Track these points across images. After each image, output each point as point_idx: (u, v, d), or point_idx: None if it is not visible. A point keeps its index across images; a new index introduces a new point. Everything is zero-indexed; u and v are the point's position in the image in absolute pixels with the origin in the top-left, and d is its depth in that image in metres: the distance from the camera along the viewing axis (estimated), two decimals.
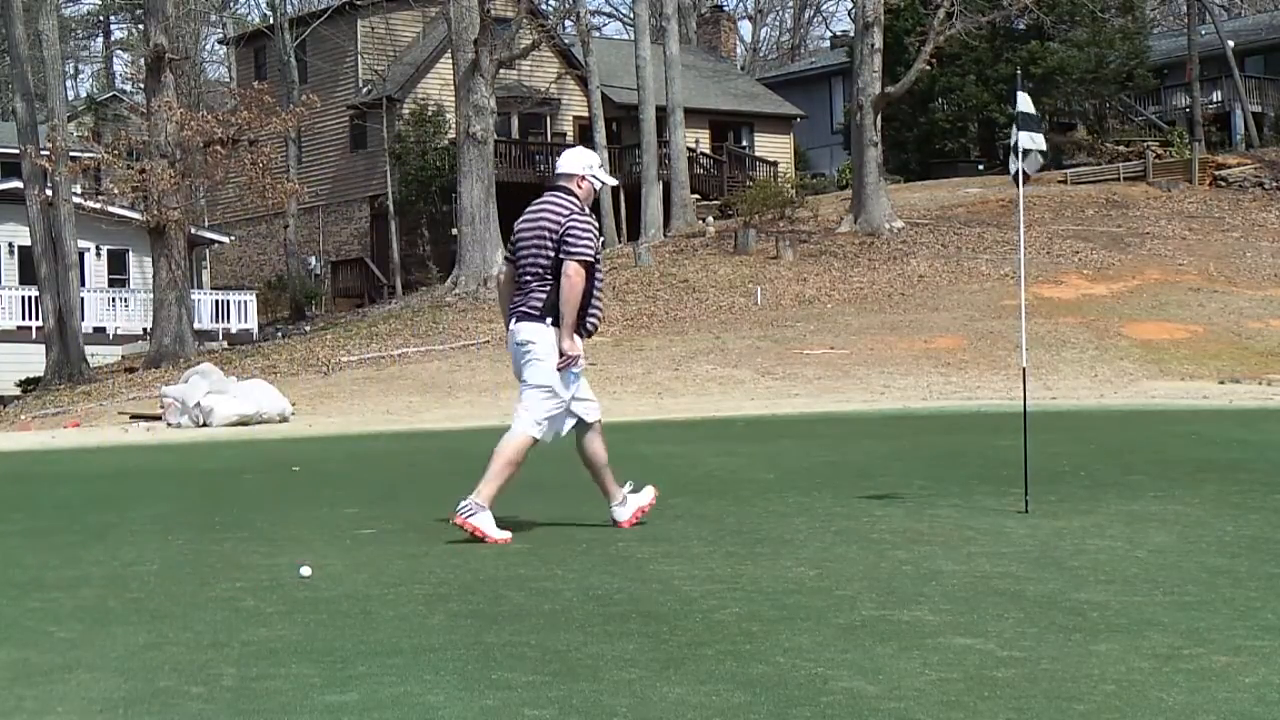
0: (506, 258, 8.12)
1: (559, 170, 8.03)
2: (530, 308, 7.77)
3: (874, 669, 4.69)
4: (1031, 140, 8.78)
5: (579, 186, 7.93)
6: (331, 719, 4.28)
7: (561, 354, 7.70)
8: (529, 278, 7.81)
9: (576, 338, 7.73)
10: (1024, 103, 8.77)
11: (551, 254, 7.74)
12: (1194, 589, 5.93)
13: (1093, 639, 5.05)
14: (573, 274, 7.65)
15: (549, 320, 7.73)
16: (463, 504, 7.58)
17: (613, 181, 8.50)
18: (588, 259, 7.72)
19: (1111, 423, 16.47)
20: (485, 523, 7.54)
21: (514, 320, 7.86)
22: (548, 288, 7.74)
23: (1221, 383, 24.77)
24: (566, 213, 7.79)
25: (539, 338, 7.74)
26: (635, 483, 8.12)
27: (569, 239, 7.70)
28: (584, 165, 7.98)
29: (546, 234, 7.77)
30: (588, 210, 7.92)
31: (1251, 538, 7.26)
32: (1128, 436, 14.23)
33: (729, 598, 5.89)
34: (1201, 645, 4.93)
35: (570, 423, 7.90)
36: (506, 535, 7.56)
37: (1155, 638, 5.06)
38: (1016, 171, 8.84)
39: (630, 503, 8.02)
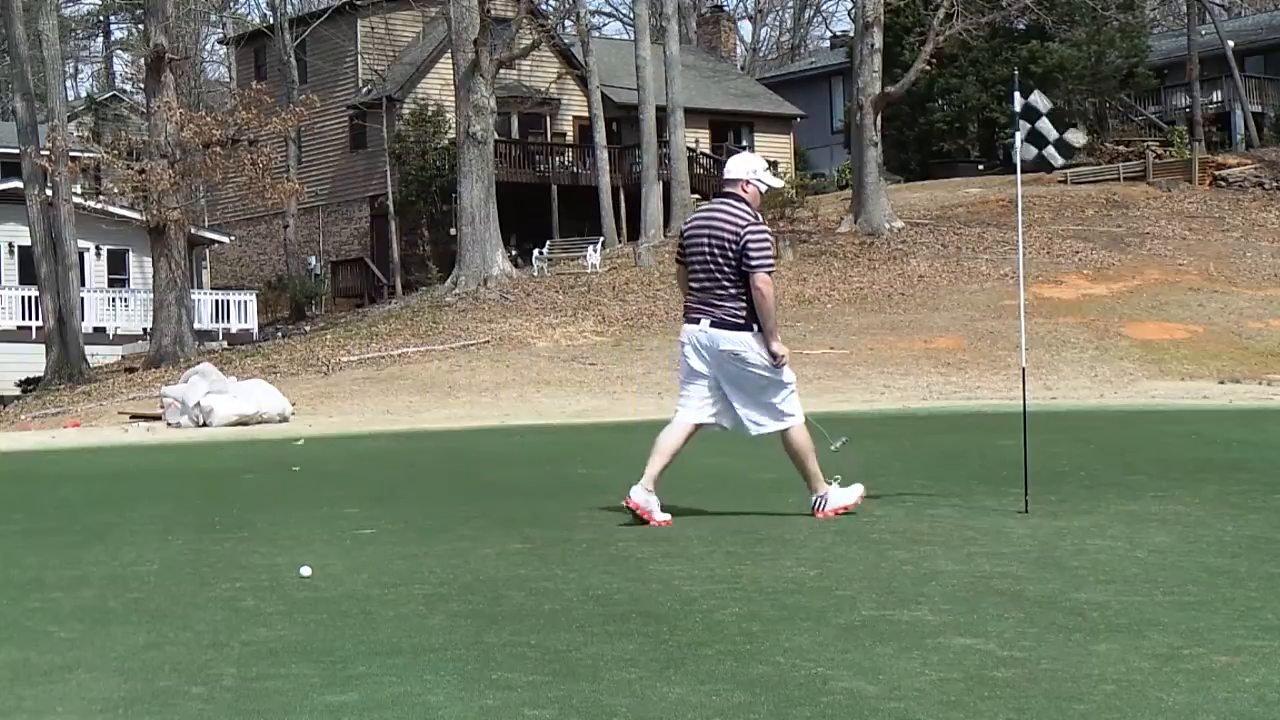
0: (678, 258, 8.48)
1: (726, 176, 8.37)
2: (733, 316, 8.11)
3: (874, 669, 4.69)
4: (1020, 139, 8.84)
5: (744, 191, 8.24)
6: (331, 719, 4.28)
7: (774, 356, 8.11)
8: (717, 281, 8.13)
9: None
10: (1020, 103, 8.81)
11: (734, 262, 8.07)
12: (1194, 589, 5.93)
13: (1093, 639, 5.05)
14: (762, 285, 8.03)
15: (756, 328, 8.11)
16: (814, 501, 8.31)
17: (778, 184, 8.76)
18: (772, 268, 8.12)
19: (1111, 423, 16.46)
20: (839, 498, 8.31)
21: (708, 323, 8.16)
22: (744, 296, 8.09)
23: (1221, 383, 24.77)
24: (743, 223, 8.09)
25: (749, 346, 8.11)
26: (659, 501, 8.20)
27: (750, 252, 8.03)
28: (748, 170, 8.30)
29: (725, 242, 8.10)
30: (760, 217, 8.25)
31: (1251, 538, 7.25)
32: (1128, 436, 14.22)
33: (729, 598, 5.89)
34: (1201, 645, 4.93)
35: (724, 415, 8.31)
36: (860, 489, 8.39)
37: (1155, 638, 5.06)
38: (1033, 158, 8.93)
39: (652, 504, 8.11)
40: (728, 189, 8.27)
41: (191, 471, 13.03)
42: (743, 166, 8.31)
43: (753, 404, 8.22)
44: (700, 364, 8.23)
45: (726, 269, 8.07)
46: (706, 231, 8.16)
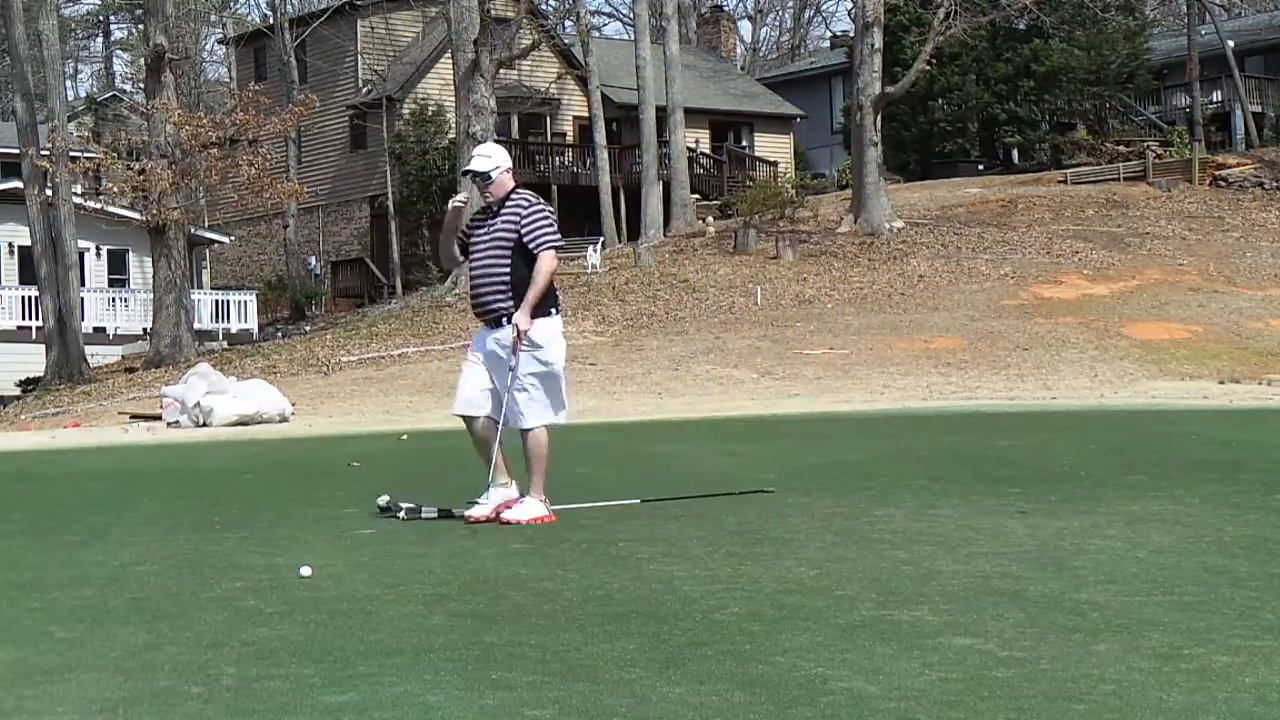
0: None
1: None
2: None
3: (874, 669, 4.68)
4: None
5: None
6: (331, 719, 4.28)
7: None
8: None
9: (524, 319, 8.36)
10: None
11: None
12: (1194, 589, 5.93)
13: (1093, 639, 5.05)
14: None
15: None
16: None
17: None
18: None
19: (1111, 423, 16.46)
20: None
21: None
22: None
23: (1221, 383, 24.78)
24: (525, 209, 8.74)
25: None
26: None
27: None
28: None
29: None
30: (542, 200, 8.78)
31: (1251, 538, 7.24)
32: (1128, 436, 14.22)
33: (729, 598, 5.88)
34: (1201, 645, 4.93)
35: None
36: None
37: (1155, 638, 5.05)
38: None
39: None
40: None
41: (191, 471, 13.02)
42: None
43: None
44: None
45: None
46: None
